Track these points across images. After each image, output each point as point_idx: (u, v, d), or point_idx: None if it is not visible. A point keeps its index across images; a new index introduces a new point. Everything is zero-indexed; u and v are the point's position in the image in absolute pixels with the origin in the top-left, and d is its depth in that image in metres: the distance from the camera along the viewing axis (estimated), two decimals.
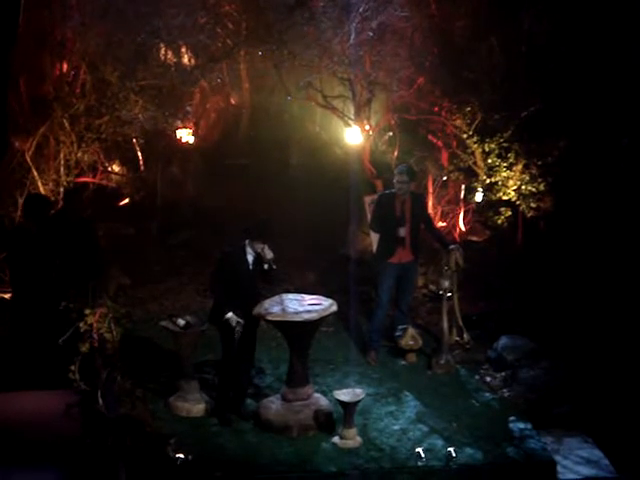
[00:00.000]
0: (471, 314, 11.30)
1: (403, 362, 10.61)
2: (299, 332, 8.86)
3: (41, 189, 11.22)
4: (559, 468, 8.58)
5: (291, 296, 9.20)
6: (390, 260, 10.46)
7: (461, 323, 10.61)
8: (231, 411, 9.14)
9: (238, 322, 8.84)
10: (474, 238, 12.97)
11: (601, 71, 11.48)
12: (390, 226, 10.41)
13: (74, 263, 9.41)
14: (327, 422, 8.96)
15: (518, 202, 11.88)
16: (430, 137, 12.77)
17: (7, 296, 9.95)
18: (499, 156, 11.86)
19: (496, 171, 11.90)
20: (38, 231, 9.51)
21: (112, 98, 11.36)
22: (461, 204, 13.01)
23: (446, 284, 10.41)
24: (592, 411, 9.46)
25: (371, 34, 11.99)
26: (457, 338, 10.64)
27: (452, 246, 10.46)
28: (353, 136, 13.07)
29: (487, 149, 11.88)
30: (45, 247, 9.47)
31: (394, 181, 10.50)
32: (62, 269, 9.39)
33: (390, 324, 10.86)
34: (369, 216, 11.60)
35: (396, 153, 13.02)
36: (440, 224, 12.77)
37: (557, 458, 8.71)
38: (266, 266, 8.94)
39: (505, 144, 11.79)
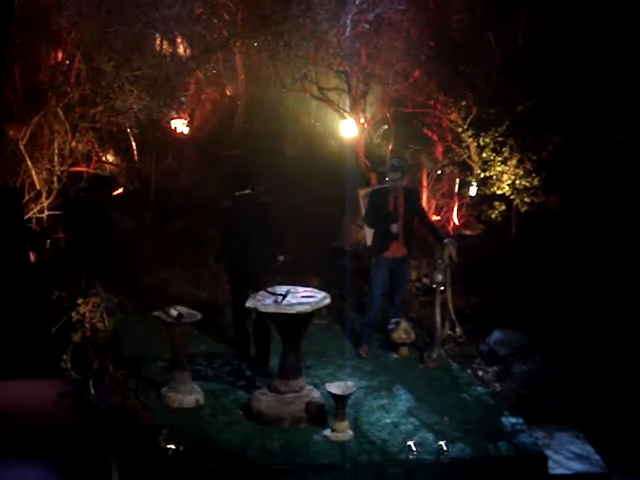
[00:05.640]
0: (464, 308, 11.31)
1: (395, 355, 10.61)
2: (292, 324, 8.84)
3: (35, 178, 11.20)
4: (550, 463, 8.60)
5: (284, 288, 9.19)
6: (384, 254, 10.45)
7: (454, 317, 10.63)
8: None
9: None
10: (468, 232, 12.96)
11: (597, 66, 11.50)
12: (383, 221, 10.38)
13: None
14: (319, 414, 8.94)
15: (512, 197, 11.89)
16: (425, 130, 12.76)
17: None
18: (494, 150, 11.86)
19: (491, 165, 11.90)
20: (14, 224, 9.45)
21: (107, 88, 11.31)
22: (455, 198, 12.99)
23: (439, 278, 10.41)
24: (584, 406, 9.49)
25: (367, 26, 11.97)
26: (450, 332, 10.67)
27: (446, 240, 10.47)
28: (348, 129, 13.04)
29: (482, 143, 11.89)
30: (20, 241, 9.41)
31: (387, 176, 10.49)
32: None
33: (383, 317, 10.86)
34: (363, 209, 11.58)
35: (391, 146, 12.99)
36: (434, 218, 12.75)
37: (548, 453, 8.72)
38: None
39: (500, 138, 11.79)
